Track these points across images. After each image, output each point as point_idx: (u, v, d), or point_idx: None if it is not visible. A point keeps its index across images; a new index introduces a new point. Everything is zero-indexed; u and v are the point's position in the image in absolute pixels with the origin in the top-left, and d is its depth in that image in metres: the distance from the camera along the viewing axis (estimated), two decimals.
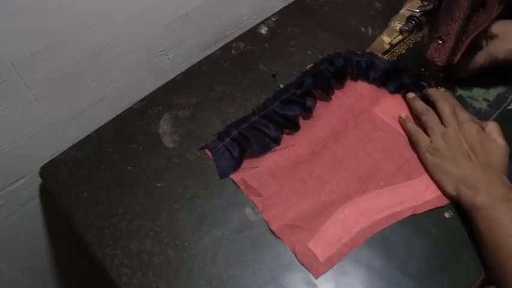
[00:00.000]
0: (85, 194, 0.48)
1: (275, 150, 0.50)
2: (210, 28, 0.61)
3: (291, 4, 0.68)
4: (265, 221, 0.45)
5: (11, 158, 0.49)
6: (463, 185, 0.44)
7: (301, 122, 0.53)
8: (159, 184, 0.49)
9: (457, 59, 0.50)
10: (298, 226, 0.44)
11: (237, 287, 0.42)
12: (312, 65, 0.57)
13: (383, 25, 0.64)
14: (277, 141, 0.50)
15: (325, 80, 0.54)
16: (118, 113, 0.55)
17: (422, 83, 0.54)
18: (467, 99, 0.55)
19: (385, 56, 0.60)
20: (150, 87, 0.57)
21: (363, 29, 0.64)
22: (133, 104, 0.56)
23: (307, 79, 0.54)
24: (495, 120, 0.53)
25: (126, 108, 0.56)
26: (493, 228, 0.40)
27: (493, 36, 0.51)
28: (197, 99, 0.56)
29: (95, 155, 0.52)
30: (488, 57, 0.51)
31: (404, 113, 0.53)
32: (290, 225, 0.44)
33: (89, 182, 0.49)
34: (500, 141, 0.46)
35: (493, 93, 0.56)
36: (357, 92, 0.56)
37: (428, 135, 0.49)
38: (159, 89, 0.58)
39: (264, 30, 0.64)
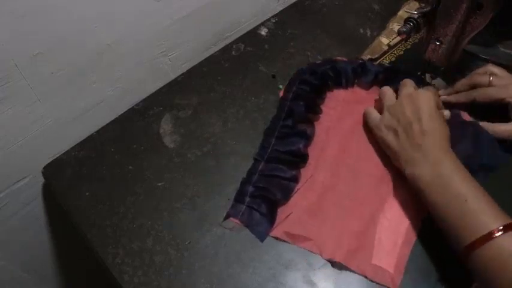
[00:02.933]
0: (87, 194, 0.49)
1: (298, 189, 0.47)
2: (211, 29, 0.62)
3: (290, 6, 0.69)
4: (327, 260, 0.43)
5: (14, 158, 0.49)
6: (401, 157, 0.45)
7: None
8: (160, 183, 0.49)
9: (454, 60, 0.51)
10: (357, 248, 0.44)
11: (237, 285, 0.42)
12: (283, 88, 0.56)
13: (381, 27, 0.65)
14: (295, 180, 0.48)
15: (310, 101, 0.53)
16: (119, 113, 0.56)
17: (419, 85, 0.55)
18: None
19: (382, 58, 0.61)
20: (151, 87, 0.58)
21: (361, 31, 0.65)
22: (135, 105, 0.57)
23: (293, 105, 0.52)
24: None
25: (127, 109, 0.56)
26: (435, 193, 0.40)
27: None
28: (198, 100, 0.57)
29: (97, 154, 0.52)
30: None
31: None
32: (349, 251, 0.43)
33: (90, 181, 0.50)
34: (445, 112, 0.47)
35: None
36: (337, 100, 0.56)
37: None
38: (160, 89, 0.58)
39: (263, 31, 0.65)
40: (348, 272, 0.43)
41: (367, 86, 0.57)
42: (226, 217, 0.46)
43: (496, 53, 0.60)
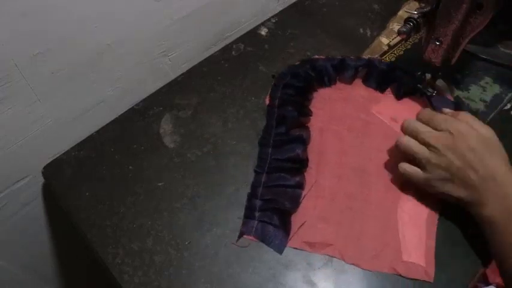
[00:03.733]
0: (87, 194, 0.49)
1: (305, 196, 0.47)
2: (211, 29, 0.62)
3: (290, 6, 0.69)
4: (351, 264, 0.43)
5: (14, 158, 0.49)
6: (471, 203, 0.41)
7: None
8: (160, 184, 0.49)
9: (454, 60, 0.51)
10: (382, 250, 0.43)
11: (237, 285, 0.42)
12: (269, 94, 0.56)
13: (381, 27, 0.65)
14: (301, 186, 0.47)
15: (299, 104, 0.53)
16: (119, 113, 0.56)
17: (418, 85, 0.55)
18: (464, 99, 0.56)
19: (382, 58, 0.61)
20: (151, 87, 0.58)
21: (361, 31, 0.65)
22: (135, 105, 0.57)
23: (287, 112, 0.51)
24: (492, 120, 0.53)
25: (127, 109, 0.56)
26: (501, 240, 0.38)
27: None
28: (198, 100, 0.57)
29: (97, 155, 0.52)
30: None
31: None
32: (375, 255, 0.43)
33: (90, 181, 0.50)
34: (485, 131, 0.42)
35: (490, 93, 0.56)
36: (323, 100, 0.55)
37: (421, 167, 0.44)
38: (160, 89, 0.58)
39: (263, 31, 0.65)
40: (348, 272, 0.43)
41: (349, 81, 0.57)
42: (240, 235, 0.44)
43: (496, 53, 0.60)
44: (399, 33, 0.50)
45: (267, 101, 0.55)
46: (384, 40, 0.63)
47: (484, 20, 0.46)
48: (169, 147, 0.52)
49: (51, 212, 0.59)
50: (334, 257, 0.43)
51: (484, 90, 0.56)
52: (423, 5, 0.50)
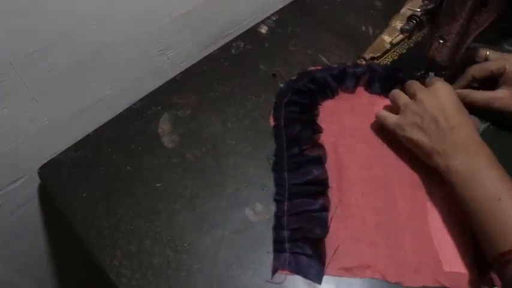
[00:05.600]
0: (84, 194, 0.48)
1: (332, 218, 0.45)
2: (210, 27, 0.61)
3: (291, 3, 0.68)
4: (395, 283, 0.41)
5: (10, 158, 0.48)
6: (434, 152, 0.43)
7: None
8: (158, 184, 0.49)
9: (458, 58, 0.50)
10: (422, 263, 0.42)
11: (236, 287, 0.41)
12: (272, 114, 0.54)
13: (384, 24, 0.64)
14: (326, 209, 0.45)
15: (310, 122, 0.51)
16: (117, 112, 0.55)
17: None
18: None
19: (384, 56, 0.60)
20: (150, 86, 0.57)
21: (363, 28, 0.64)
22: (133, 104, 0.56)
23: (297, 132, 0.50)
24: (492, 122, 0.53)
25: (125, 108, 0.56)
26: (468, 188, 0.40)
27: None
28: (197, 99, 0.56)
29: (94, 155, 0.51)
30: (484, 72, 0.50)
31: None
32: (417, 270, 0.42)
33: (88, 182, 0.49)
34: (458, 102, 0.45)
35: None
36: (330, 113, 0.54)
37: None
38: (158, 88, 0.58)
39: (264, 29, 0.64)
40: None
41: (352, 90, 0.56)
42: (274, 271, 0.42)
43: (501, 51, 0.59)
44: (402, 31, 0.49)
45: (272, 122, 0.53)
46: (387, 38, 0.62)
47: (488, 18, 0.45)
48: (167, 147, 0.52)
49: (48, 213, 0.59)
50: (376, 278, 0.41)
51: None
52: (427, 2, 0.49)
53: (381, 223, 0.45)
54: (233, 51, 0.61)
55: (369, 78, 0.56)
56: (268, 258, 0.43)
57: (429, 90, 0.46)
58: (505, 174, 0.40)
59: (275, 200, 0.47)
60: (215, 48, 0.62)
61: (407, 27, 0.48)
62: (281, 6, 0.68)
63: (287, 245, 0.43)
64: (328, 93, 0.55)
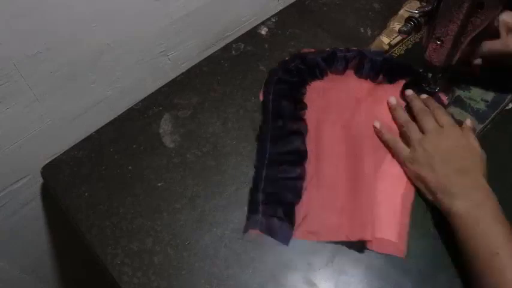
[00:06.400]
0: (86, 194, 0.48)
1: (306, 187, 0.47)
2: (211, 29, 0.61)
3: (290, 5, 0.69)
4: (357, 240, 0.44)
5: (13, 158, 0.49)
6: (439, 191, 0.44)
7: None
8: (159, 184, 0.49)
9: (455, 60, 0.50)
10: (358, 218, 0.45)
11: (237, 286, 0.42)
12: (262, 90, 0.56)
13: (382, 26, 0.65)
14: (302, 177, 0.48)
15: (296, 98, 0.54)
16: (119, 113, 0.55)
17: (423, 85, 0.55)
18: (465, 99, 0.55)
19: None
20: (151, 87, 0.58)
21: (362, 30, 0.64)
22: (134, 104, 0.56)
23: (283, 103, 0.52)
24: (493, 120, 0.53)
25: (127, 109, 0.56)
26: (468, 236, 0.40)
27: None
28: (197, 100, 0.56)
29: (96, 155, 0.52)
30: (504, 48, 0.49)
31: (378, 122, 0.52)
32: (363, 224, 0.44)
33: (90, 181, 0.49)
34: (475, 144, 0.46)
35: (491, 93, 0.56)
36: (317, 92, 0.56)
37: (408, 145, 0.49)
38: (159, 89, 0.58)
39: (264, 31, 0.64)
40: (347, 273, 0.42)
41: (341, 72, 0.58)
42: (245, 230, 0.45)
43: None
44: (400, 32, 0.49)
45: (261, 97, 0.56)
46: (385, 39, 0.63)
47: (485, 20, 0.46)
48: (168, 147, 0.52)
49: (50, 212, 0.59)
50: (343, 240, 0.44)
51: (486, 90, 0.56)
52: (424, 4, 0.50)
53: (350, 190, 0.47)
54: (233, 52, 0.62)
55: (359, 62, 0.58)
56: (269, 256, 0.44)
57: (443, 130, 0.47)
58: (507, 227, 0.39)
59: (255, 166, 0.49)
60: (216, 49, 0.62)
61: (405, 29, 0.49)
62: (281, 8, 0.68)
63: (261, 207, 0.45)
64: (318, 74, 0.57)
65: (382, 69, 0.57)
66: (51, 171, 0.51)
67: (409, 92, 0.54)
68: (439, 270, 0.42)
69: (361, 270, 0.43)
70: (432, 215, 0.46)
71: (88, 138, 0.53)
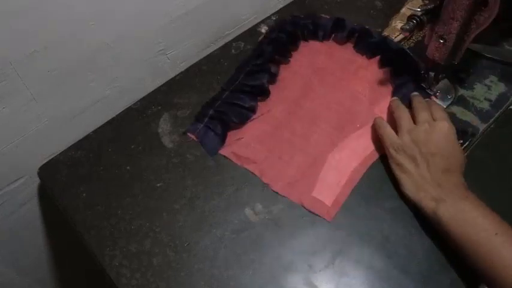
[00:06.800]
0: (84, 195, 0.48)
1: (253, 119, 0.52)
2: (210, 27, 0.61)
3: (291, 3, 0.68)
4: (266, 184, 0.48)
5: (9, 158, 0.48)
6: (421, 189, 0.44)
7: (270, 88, 0.55)
8: (158, 184, 0.49)
9: (458, 58, 0.50)
10: (298, 181, 0.48)
11: (237, 287, 0.41)
12: (263, 36, 0.61)
13: (384, 24, 0.64)
14: (253, 110, 0.53)
15: (282, 46, 0.58)
16: (117, 112, 0.55)
17: (422, 84, 0.54)
18: (468, 99, 0.55)
19: None
20: (150, 86, 0.57)
21: None
22: (133, 104, 0.56)
23: (265, 47, 0.57)
24: (497, 119, 0.53)
25: (125, 108, 0.56)
26: (463, 227, 0.40)
27: None
28: (197, 99, 0.56)
29: (94, 155, 0.51)
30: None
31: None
32: (290, 183, 0.47)
33: (87, 182, 0.49)
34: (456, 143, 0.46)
35: (495, 92, 0.55)
36: (311, 50, 0.60)
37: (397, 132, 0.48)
38: (158, 88, 0.57)
39: (264, 29, 0.64)
40: (349, 275, 0.42)
41: (343, 41, 0.60)
42: (185, 132, 0.51)
43: (501, 51, 0.59)
44: (402, 30, 0.49)
45: (260, 39, 0.61)
46: None
47: (488, 18, 0.45)
48: (167, 147, 0.52)
49: (48, 213, 0.59)
50: (254, 173, 0.48)
51: (489, 89, 0.56)
52: (427, 2, 0.49)
53: (288, 141, 0.51)
54: (233, 51, 0.61)
55: (360, 37, 0.60)
56: (269, 257, 0.43)
57: (435, 125, 0.46)
58: (495, 212, 0.40)
59: (221, 87, 0.55)
60: (215, 48, 0.62)
61: (408, 27, 0.48)
62: (281, 6, 0.67)
63: (206, 119, 0.52)
64: (320, 36, 0.61)
65: (379, 50, 0.58)
66: (48, 171, 0.51)
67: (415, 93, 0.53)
68: (441, 271, 0.42)
69: (362, 272, 0.42)
70: None
71: (86, 138, 0.53)
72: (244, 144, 0.50)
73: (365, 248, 0.44)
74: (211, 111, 0.52)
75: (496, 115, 0.53)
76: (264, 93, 0.54)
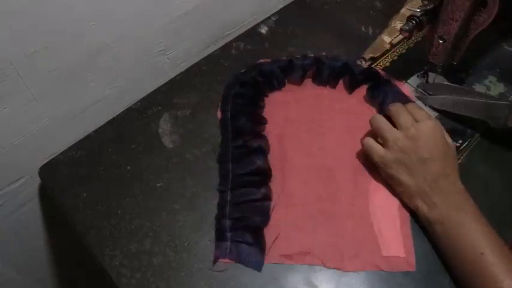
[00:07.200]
0: (84, 195, 0.48)
1: (274, 207, 0.45)
2: (210, 27, 0.61)
3: (291, 3, 0.68)
4: (334, 268, 0.42)
5: (10, 158, 0.48)
6: (418, 197, 0.43)
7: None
8: (158, 184, 0.49)
9: (457, 58, 0.50)
10: (361, 250, 0.43)
11: (237, 287, 0.41)
12: (219, 107, 0.54)
13: (383, 25, 0.64)
14: (268, 198, 0.46)
15: (254, 113, 0.52)
16: (117, 113, 0.55)
17: (421, 85, 0.54)
18: None
19: (384, 56, 0.60)
20: (150, 87, 0.57)
21: (363, 29, 0.64)
22: (133, 104, 0.56)
23: (240, 124, 0.50)
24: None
25: (125, 108, 0.55)
26: (452, 241, 0.40)
27: None
28: (197, 99, 0.56)
29: (94, 155, 0.51)
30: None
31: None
32: (355, 256, 0.43)
33: (88, 182, 0.49)
34: (449, 140, 0.45)
35: (494, 92, 0.55)
36: (277, 104, 0.54)
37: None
38: (158, 88, 0.57)
39: (264, 29, 0.64)
40: (349, 275, 0.42)
41: (299, 82, 0.56)
42: (215, 260, 0.43)
43: (500, 52, 0.59)
44: (402, 31, 0.49)
45: (219, 115, 0.54)
46: (386, 38, 0.62)
47: (488, 18, 0.45)
48: (168, 147, 0.52)
49: (48, 213, 0.59)
50: (315, 264, 0.42)
51: (488, 89, 0.56)
52: (426, 2, 0.49)
53: (321, 210, 0.45)
54: (233, 51, 0.61)
55: (316, 70, 0.56)
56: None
57: (419, 127, 0.43)
58: (488, 227, 0.40)
59: (218, 190, 0.47)
60: (215, 49, 0.62)
61: (407, 28, 0.48)
62: (281, 6, 0.68)
63: (228, 234, 0.43)
64: (275, 84, 0.56)
65: (341, 74, 0.56)
66: (49, 171, 0.51)
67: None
68: (442, 272, 0.42)
69: (363, 272, 0.42)
70: None
71: (86, 138, 0.53)
72: (285, 240, 0.43)
73: None
74: (228, 223, 0.44)
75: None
76: (266, 175, 0.47)
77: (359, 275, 0.42)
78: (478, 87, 0.56)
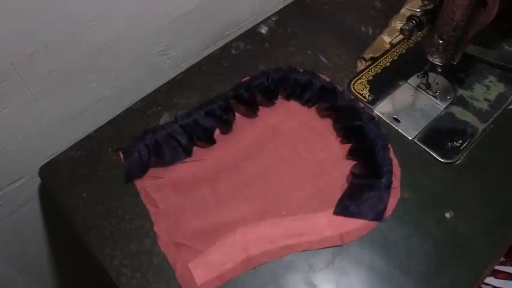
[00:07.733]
0: (84, 195, 0.48)
1: (184, 162, 0.48)
2: (210, 28, 0.61)
3: (291, 4, 0.68)
4: (154, 232, 0.44)
5: (10, 158, 0.48)
6: None
7: (220, 136, 0.51)
8: None
9: (457, 58, 0.50)
10: (185, 245, 0.43)
11: (237, 287, 0.41)
12: (248, 78, 0.55)
13: (383, 25, 0.64)
14: (188, 152, 0.48)
15: (251, 96, 0.52)
16: (117, 113, 0.55)
17: (421, 85, 0.54)
18: (467, 98, 0.55)
19: (384, 57, 0.60)
20: (150, 87, 0.57)
21: (363, 29, 0.64)
22: (133, 104, 0.56)
23: (228, 93, 0.52)
24: (496, 120, 0.53)
25: (125, 108, 0.56)
26: None
27: None
28: (197, 99, 0.56)
29: (95, 155, 0.51)
30: None
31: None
32: (177, 243, 0.43)
33: (88, 182, 0.49)
34: None
35: (494, 92, 0.55)
36: (286, 112, 0.53)
37: None
38: (158, 88, 0.57)
39: (264, 30, 0.64)
40: (349, 275, 0.42)
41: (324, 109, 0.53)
42: (117, 149, 0.48)
43: (501, 53, 0.59)
44: (402, 31, 0.49)
45: (244, 79, 0.54)
46: (386, 38, 0.62)
47: (488, 18, 0.45)
48: None
49: (48, 213, 0.59)
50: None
51: (488, 89, 0.56)
52: (426, 2, 0.49)
53: (203, 199, 0.46)
54: (233, 51, 0.61)
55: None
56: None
57: None
58: None
59: (175, 117, 0.50)
60: (215, 49, 0.62)
61: (407, 28, 0.48)
62: (281, 6, 0.67)
63: (141, 144, 0.48)
64: (304, 100, 0.54)
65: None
66: (49, 171, 0.51)
67: None
68: (441, 271, 0.42)
69: (362, 272, 0.42)
70: (433, 216, 0.45)
71: (86, 138, 0.53)
72: (158, 185, 0.47)
73: (365, 248, 0.44)
74: (150, 138, 0.48)
75: (495, 115, 0.53)
76: (208, 139, 0.49)
77: (359, 275, 0.42)
78: (478, 87, 0.56)
